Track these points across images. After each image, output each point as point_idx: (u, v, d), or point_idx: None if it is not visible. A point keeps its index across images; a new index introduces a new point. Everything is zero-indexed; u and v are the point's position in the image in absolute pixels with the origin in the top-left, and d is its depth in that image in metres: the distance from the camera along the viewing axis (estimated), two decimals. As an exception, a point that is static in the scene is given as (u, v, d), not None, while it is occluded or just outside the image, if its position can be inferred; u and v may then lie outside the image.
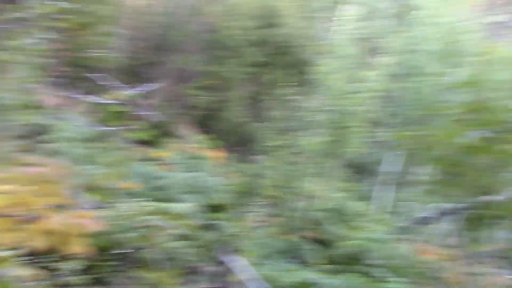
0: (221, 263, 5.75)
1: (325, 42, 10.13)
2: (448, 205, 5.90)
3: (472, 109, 5.08)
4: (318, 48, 10.25)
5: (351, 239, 7.09)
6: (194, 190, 7.41)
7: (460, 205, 5.63)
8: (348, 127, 8.50)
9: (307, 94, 9.67)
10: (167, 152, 8.58)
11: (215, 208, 7.35)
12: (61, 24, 6.55)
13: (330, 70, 8.75)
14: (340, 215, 7.71)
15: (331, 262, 6.69)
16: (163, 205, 6.31)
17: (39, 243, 4.42)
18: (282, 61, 11.69)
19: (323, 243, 7.12)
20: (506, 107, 5.04)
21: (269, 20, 11.76)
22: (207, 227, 6.58)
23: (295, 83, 9.33)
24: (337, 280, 5.57)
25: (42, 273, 3.41)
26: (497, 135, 4.89)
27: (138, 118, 9.35)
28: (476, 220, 5.69)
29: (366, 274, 6.26)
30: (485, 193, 5.25)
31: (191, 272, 5.62)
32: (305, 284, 5.37)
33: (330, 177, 8.12)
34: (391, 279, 5.99)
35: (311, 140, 8.30)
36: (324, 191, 7.93)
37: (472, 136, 4.79)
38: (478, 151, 4.93)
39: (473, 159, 5.06)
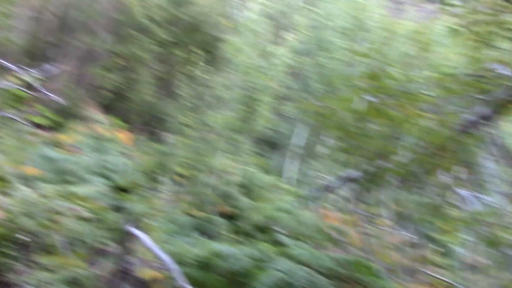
0: (128, 243, 5.72)
1: (235, 20, 10.18)
2: (348, 172, 6.19)
3: (366, 78, 5.32)
4: (228, 25, 10.28)
5: (260, 211, 7.32)
6: (101, 172, 7.32)
7: (358, 172, 5.92)
8: (257, 102, 8.64)
9: (217, 71, 9.70)
10: (73, 135, 8.37)
11: (124, 189, 7.30)
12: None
13: (240, 47, 8.81)
14: (249, 189, 7.90)
15: (241, 234, 6.87)
16: (68, 188, 6.20)
17: None
18: (192, 39, 11.60)
19: (233, 216, 7.28)
20: (395, 76, 5.33)
21: (179, -3, 11.62)
22: (115, 208, 6.53)
23: (205, 61, 9.29)
24: (244, 249, 5.71)
25: None
26: (386, 101, 5.16)
27: (41, 101, 8.98)
28: (373, 184, 6.02)
29: (273, 242, 6.49)
30: (380, 158, 5.53)
31: (97, 254, 5.56)
32: (211, 255, 5.45)
33: (240, 152, 8.25)
34: (295, 244, 6.25)
35: (221, 117, 8.36)
36: (234, 166, 8.06)
37: (364, 102, 5.04)
38: (370, 117, 5.20)
39: (366, 125, 5.33)
